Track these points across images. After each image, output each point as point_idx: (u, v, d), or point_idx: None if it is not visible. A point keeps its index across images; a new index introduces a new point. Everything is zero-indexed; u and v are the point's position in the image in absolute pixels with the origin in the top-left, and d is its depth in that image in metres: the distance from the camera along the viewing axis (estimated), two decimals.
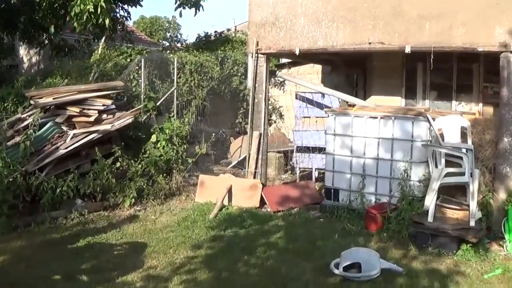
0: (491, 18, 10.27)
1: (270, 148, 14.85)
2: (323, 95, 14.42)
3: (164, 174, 12.88)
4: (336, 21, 11.88)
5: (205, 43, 22.75)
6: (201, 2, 19.38)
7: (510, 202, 9.89)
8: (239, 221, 11.13)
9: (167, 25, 48.13)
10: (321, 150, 14.03)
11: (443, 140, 10.38)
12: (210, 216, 11.45)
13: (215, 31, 23.78)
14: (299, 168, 14.94)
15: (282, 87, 19.16)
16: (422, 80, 14.63)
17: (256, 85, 13.17)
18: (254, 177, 13.11)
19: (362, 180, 11.49)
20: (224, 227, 10.77)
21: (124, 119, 12.60)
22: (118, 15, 21.14)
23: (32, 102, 12.59)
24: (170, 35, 42.11)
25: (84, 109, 12.30)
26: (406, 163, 10.87)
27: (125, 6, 21.37)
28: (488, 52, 10.59)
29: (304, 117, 14.85)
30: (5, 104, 14.00)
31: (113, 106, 12.96)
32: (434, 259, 9.02)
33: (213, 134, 14.37)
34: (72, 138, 11.88)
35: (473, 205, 9.55)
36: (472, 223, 9.46)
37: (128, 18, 22.50)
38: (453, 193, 10.35)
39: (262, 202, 12.45)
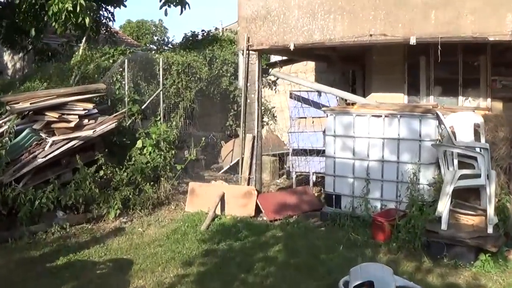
0: (503, 5, 9.68)
1: (264, 151, 14.27)
2: (319, 93, 13.74)
3: (152, 182, 12.33)
4: (333, 12, 11.20)
5: (192, 43, 22.13)
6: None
7: None
8: (233, 232, 10.43)
9: (154, 28, 48.01)
10: (319, 152, 13.48)
11: (455, 138, 9.67)
12: (202, 227, 10.74)
13: (202, 30, 23.20)
14: (296, 172, 14.24)
15: (274, 87, 18.55)
16: (426, 75, 13.94)
17: (248, 84, 12.53)
18: (248, 184, 12.47)
19: (366, 184, 10.76)
20: (217, 239, 10.03)
21: (107, 124, 12.05)
22: (101, 16, 21.32)
23: (8, 107, 12.03)
24: (157, 39, 41.81)
25: (63, 114, 11.72)
26: (414, 165, 10.16)
27: (109, 7, 21.36)
28: (499, 41, 9.96)
29: (300, 117, 14.18)
30: None
31: (95, 111, 12.39)
32: (451, 271, 8.32)
33: (203, 139, 13.82)
34: (51, 145, 11.32)
35: (491, 210, 8.82)
36: (490, 230, 8.77)
37: (112, 19, 22.49)
38: (466, 196, 9.65)
39: (258, 210, 11.78)
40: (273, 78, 17.45)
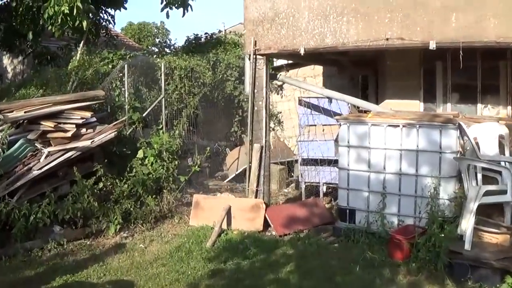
0: None
1: (271, 159, 13.63)
2: (330, 100, 13.27)
3: (154, 195, 11.89)
4: (346, 14, 10.70)
5: (195, 46, 21.92)
6: (189, 2, 19.22)
7: None
8: (241, 250, 9.95)
9: (155, 31, 47.87)
10: (330, 162, 13.02)
11: (479, 151, 9.24)
12: (208, 244, 10.27)
13: (206, 33, 23.06)
14: (305, 182, 13.76)
15: (280, 92, 18.18)
16: (443, 81, 13.46)
17: (255, 90, 12.02)
18: (256, 196, 11.96)
19: (382, 199, 10.27)
20: (224, 257, 9.56)
21: (106, 134, 11.66)
22: (101, 19, 21.25)
23: (0, 116, 11.54)
24: (159, 41, 41.72)
25: (60, 123, 11.38)
26: (434, 179, 9.66)
27: (108, 10, 21.26)
28: None
29: (310, 125, 13.72)
30: None
31: (94, 119, 12.04)
32: None
33: (208, 148, 13.53)
34: (47, 157, 10.92)
35: None
36: None
37: (112, 22, 22.37)
38: (488, 212, 9.21)
39: (266, 224, 11.32)
40: (279, 83, 17.07)
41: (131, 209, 11.26)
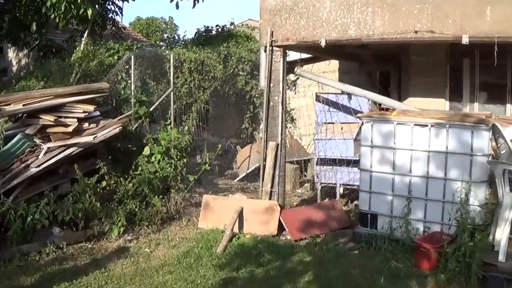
0: None
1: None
2: (349, 96, 12.79)
3: (160, 195, 11.48)
4: (371, 4, 10.15)
5: (206, 39, 21.77)
6: None
7: None
8: (254, 256, 9.44)
9: (164, 26, 47.89)
10: (349, 163, 12.62)
11: None
12: (218, 249, 9.75)
13: (217, 25, 22.88)
14: (321, 183, 13.31)
15: (294, 87, 17.75)
16: (470, 79, 13.07)
17: (271, 85, 11.51)
18: (270, 198, 11.47)
19: (407, 203, 9.72)
20: (236, 265, 9.03)
21: (110, 129, 11.24)
22: (108, 10, 21.39)
23: None
24: (167, 36, 41.58)
25: (61, 117, 10.99)
26: (464, 183, 9.13)
27: (116, 1, 21.43)
28: None
29: (328, 123, 13.27)
30: None
31: (97, 113, 11.65)
32: None
33: (219, 146, 13.19)
34: (46, 153, 10.52)
35: None
36: None
37: (120, 14, 22.46)
38: None
39: (280, 227, 10.85)
40: (292, 78, 16.63)
41: (136, 210, 10.86)
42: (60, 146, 10.63)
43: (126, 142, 12.40)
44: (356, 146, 12.30)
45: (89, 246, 10.01)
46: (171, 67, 15.65)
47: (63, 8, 14.05)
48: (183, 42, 22.86)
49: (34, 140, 10.77)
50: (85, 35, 17.44)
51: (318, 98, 13.51)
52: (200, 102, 16.63)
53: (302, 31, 10.91)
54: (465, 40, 9.22)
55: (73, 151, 10.70)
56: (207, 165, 12.41)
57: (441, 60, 13.12)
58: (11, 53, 24.97)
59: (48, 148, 10.55)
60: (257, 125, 18.52)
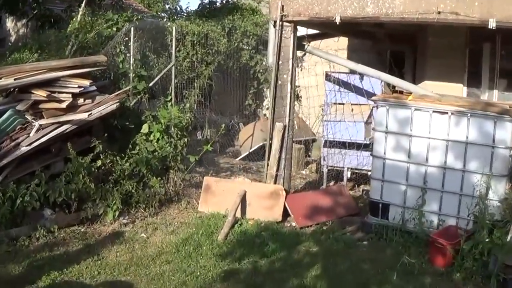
0: None
1: None
2: (361, 77, 12.35)
3: (159, 176, 11.12)
4: None
5: (210, 11, 21.57)
6: None
7: None
8: (258, 245, 9.13)
9: None
10: (359, 147, 12.34)
11: None
12: (219, 237, 9.40)
13: None
14: (327, 166, 12.99)
15: (300, 65, 17.45)
16: (490, 64, 12.73)
17: (280, 62, 11.03)
18: (275, 182, 11.10)
19: (422, 194, 9.33)
20: (238, 254, 8.70)
21: (107, 105, 10.84)
22: None
23: None
24: (169, 7, 41.22)
25: (54, 92, 10.53)
26: (484, 176, 8.75)
27: None
28: None
29: (338, 103, 12.85)
30: None
31: (93, 88, 11.20)
32: None
33: (223, 125, 12.81)
34: (38, 130, 10.12)
35: None
36: None
37: None
38: None
39: (285, 213, 10.52)
40: (299, 54, 16.25)
41: (133, 191, 10.52)
42: (52, 123, 10.26)
43: (123, 119, 12.05)
44: (367, 129, 12.03)
45: (82, 230, 9.64)
46: (173, 40, 15.35)
47: None
48: (185, 14, 22.67)
49: (26, 116, 10.41)
50: (83, 5, 17.07)
51: (328, 77, 13.11)
52: (203, 77, 16.38)
53: (316, 6, 10.42)
54: (492, 24, 8.75)
55: (67, 129, 10.32)
56: (209, 146, 12.09)
57: (461, 43, 12.79)
58: (9, 23, 24.82)
59: (40, 125, 10.18)
60: (261, 102, 18.38)
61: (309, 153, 15.69)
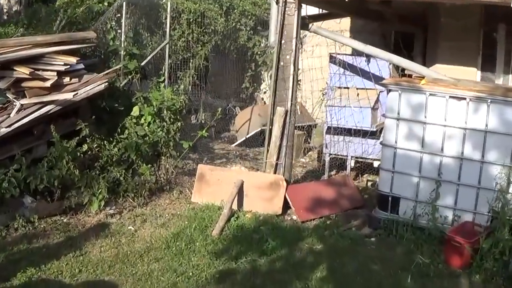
0: None
1: None
2: (368, 59, 11.74)
3: (149, 162, 10.66)
4: None
5: None
6: None
7: None
8: (256, 241, 8.50)
9: None
10: (365, 134, 11.80)
11: None
12: (214, 231, 8.77)
13: None
14: (329, 154, 12.42)
15: (300, 46, 17.01)
16: (505, 47, 12.26)
17: (283, 41, 10.45)
18: (275, 172, 10.51)
19: (436, 187, 8.75)
20: (235, 252, 8.09)
21: (94, 85, 10.31)
22: None
23: None
24: None
25: (38, 69, 9.93)
26: (505, 168, 8.19)
27: None
28: None
29: (343, 87, 12.29)
30: None
31: (81, 66, 10.62)
32: None
33: (219, 109, 12.27)
34: (19, 111, 9.55)
35: None
36: None
37: None
38: None
39: (285, 205, 9.93)
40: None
41: (121, 179, 9.98)
42: (35, 103, 9.72)
43: (112, 100, 11.55)
44: (374, 115, 11.54)
45: (65, 220, 9.12)
46: (168, 17, 14.83)
47: None
48: None
49: (7, 95, 9.86)
50: None
51: (333, 59, 12.52)
52: (198, 58, 15.94)
53: None
54: None
55: (51, 109, 9.77)
56: (204, 131, 11.57)
57: (475, 24, 12.33)
58: (2, 0, 24.39)
59: (22, 105, 9.64)
60: (258, 85, 18.04)
61: (309, 140, 15.17)
